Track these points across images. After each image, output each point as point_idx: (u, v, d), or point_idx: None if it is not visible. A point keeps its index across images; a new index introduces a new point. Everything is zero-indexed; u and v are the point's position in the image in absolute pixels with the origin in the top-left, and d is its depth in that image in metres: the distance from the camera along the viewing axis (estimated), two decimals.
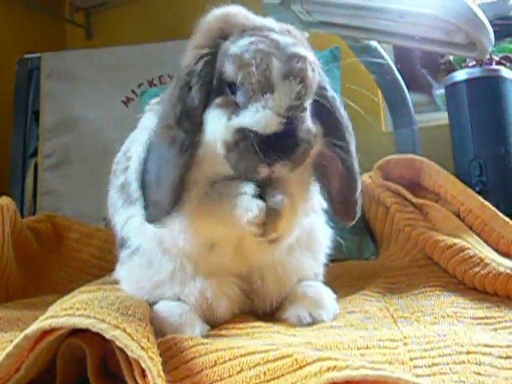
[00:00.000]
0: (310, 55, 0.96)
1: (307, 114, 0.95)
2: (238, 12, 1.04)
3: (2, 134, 2.93)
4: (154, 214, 1.00)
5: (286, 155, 0.90)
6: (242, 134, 0.89)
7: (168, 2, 3.38)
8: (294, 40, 0.98)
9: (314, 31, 2.13)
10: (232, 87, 0.95)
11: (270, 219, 0.92)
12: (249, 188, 0.93)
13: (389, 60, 2.16)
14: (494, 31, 1.67)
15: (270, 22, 1.03)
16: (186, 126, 0.96)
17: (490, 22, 1.65)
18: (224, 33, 0.99)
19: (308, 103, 0.95)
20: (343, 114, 1.06)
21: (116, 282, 1.25)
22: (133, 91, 2.84)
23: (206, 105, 0.97)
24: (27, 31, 3.30)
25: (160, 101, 1.22)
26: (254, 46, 0.92)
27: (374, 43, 2.05)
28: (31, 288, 1.76)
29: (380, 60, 2.07)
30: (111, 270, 1.35)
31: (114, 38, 3.46)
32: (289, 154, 0.90)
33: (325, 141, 1.01)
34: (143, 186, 1.02)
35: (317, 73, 0.97)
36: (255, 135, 0.88)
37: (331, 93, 1.05)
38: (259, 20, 1.03)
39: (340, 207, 1.09)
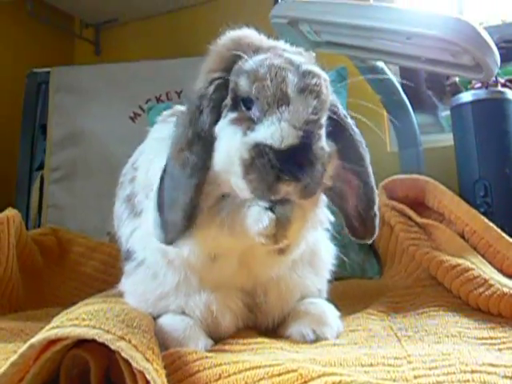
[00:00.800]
0: (324, 73, 0.96)
1: (323, 133, 0.94)
2: (251, 34, 1.05)
3: (10, 146, 2.96)
4: (169, 235, 0.99)
5: (304, 172, 0.87)
6: (258, 149, 0.87)
7: (176, 20, 3.43)
8: (307, 59, 0.99)
9: (321, 51, 2.15)
10: (247, 102, 0.94)
11: (281, 227, 0.91)
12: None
13: (395, 81, 2.18)
14: (500, 54, 1.68)
15: (282, 43, 1.04)
16: (196, 148, 0.95)
17: (496, 44, 1.67)
18: (236, 55, 0.99)
19: (324, 120, 0.94)
20: (356, 130, 1.06)
21: (120, 295, 1.25)
22: (140, 107, 2.86)
23: (216, 123, 0.97)
24: (37, 46, 3.35)
25: (173, 113, 1.24)
26: (269, 61, 0.92)
27: (380, 64, 2.06)
28: (34, 300, 1.76)
29: (384, 77, 2.09)
30: (114, 283, 1.35)
31: (123, 54, 3.50)
32: (306, 171, 0.87)
33: (339, 157, 1.01)
34: (158, 206, 1.01)
35: (330, 91, 0.97)
36: (271, 150, 0.86)
37: (342, 111, 1.05)
38: (272, 42, 1.04)
39: (358, 224, 1.07)
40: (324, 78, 0.95)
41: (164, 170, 1.01)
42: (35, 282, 1.83)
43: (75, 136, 2.85)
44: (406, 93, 2.21)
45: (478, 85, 2.10)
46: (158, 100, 2.86)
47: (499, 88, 1.95)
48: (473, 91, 1.97)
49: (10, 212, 1.71)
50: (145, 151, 1.26)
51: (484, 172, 1.81)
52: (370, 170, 1.06)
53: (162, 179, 1.01)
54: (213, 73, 1.00)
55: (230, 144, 0.92)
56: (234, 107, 0.96)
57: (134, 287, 1.19)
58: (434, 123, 2.78)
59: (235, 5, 3.24)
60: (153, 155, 1.16)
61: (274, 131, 0.87)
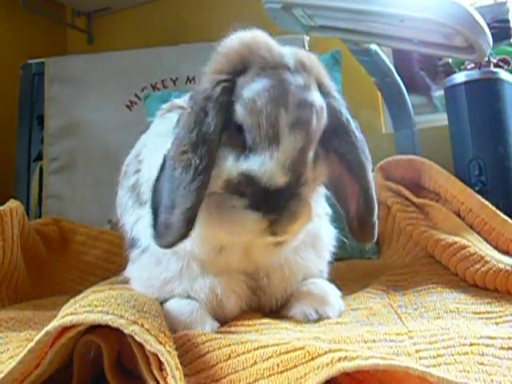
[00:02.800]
0: (318, 100, 0.99)
1: (310, 165, 0.98)
2: (260, 41, 1.03)
3: (7, 138, 2.95)
4: (165, 237, 0.97)
5: (284, 211, 0.93)
6: (245, 180, 0.93)
7: (169, 8, 3.41)
8: (307, 79, 0.99)
9: (315, 35, 2.16)
10: (241, 128, 0.97)
11: (286, 221, 0.94)
12: (238, 201, 0.95)
13: (388, 63, 2.19)
14: (492, 34, 1.69)
15: (287, 54, 1.02)
16: (201, 151, 0.95)
17: (488, 24, 1.68)
18: (244, 62, 0.99)
19: (311, 156, 0.98)
20: (359, 136, 1.07)
21: (125, 282, 1.28)
22: (136, 95, 2.84)
23: (222, 130, 0.98)
24: (28, 36, 3.33)
25: (170, 108, 1.26)
26: (267, 94, 0.94)
27: (373, 46, 2.08)
28: (39, 290, 1.78)
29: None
30: (117, 271, 1.37)
31: (116, 42, 3.48)
32: (286, 210, 0.93)
33: (342, 162, 1.06)
34: (154, 206, 1.00)
35: (323, 118, 1.00)
36: (257, 186, 0.91)
37: (346, 116, 1.07)
38: (278, 53, 1.02)
39: (358, 228, 1.10)
40: (318, 107, 0.98)
41: (160, 170, 1.01)
42: (39, 271, 1.85)
43: (72, 126, 2.82)
44: (399, 74, 2.22)
45: (471, 65, 2.11)
46: (154, 88, 2.85)
47: (492, 68, 1.96)
48: (466, 72, 1.97)
49: (13, 204, 1.72)
50: (147, 145, 1.27)
51: (478, 151, 1.83)
52: (371, 177, 1.08)
53: (157, 180, 1.01)
54: (219, 74, 1.00)
55: (222, 168, 0.97)
56: (228, 125, 0.98)
57: (140, 273, 1.21)
58: (427, 104, 2.80)
59: None
60: (155, 150, 1.17)
61: (263, 171, 0.92)
